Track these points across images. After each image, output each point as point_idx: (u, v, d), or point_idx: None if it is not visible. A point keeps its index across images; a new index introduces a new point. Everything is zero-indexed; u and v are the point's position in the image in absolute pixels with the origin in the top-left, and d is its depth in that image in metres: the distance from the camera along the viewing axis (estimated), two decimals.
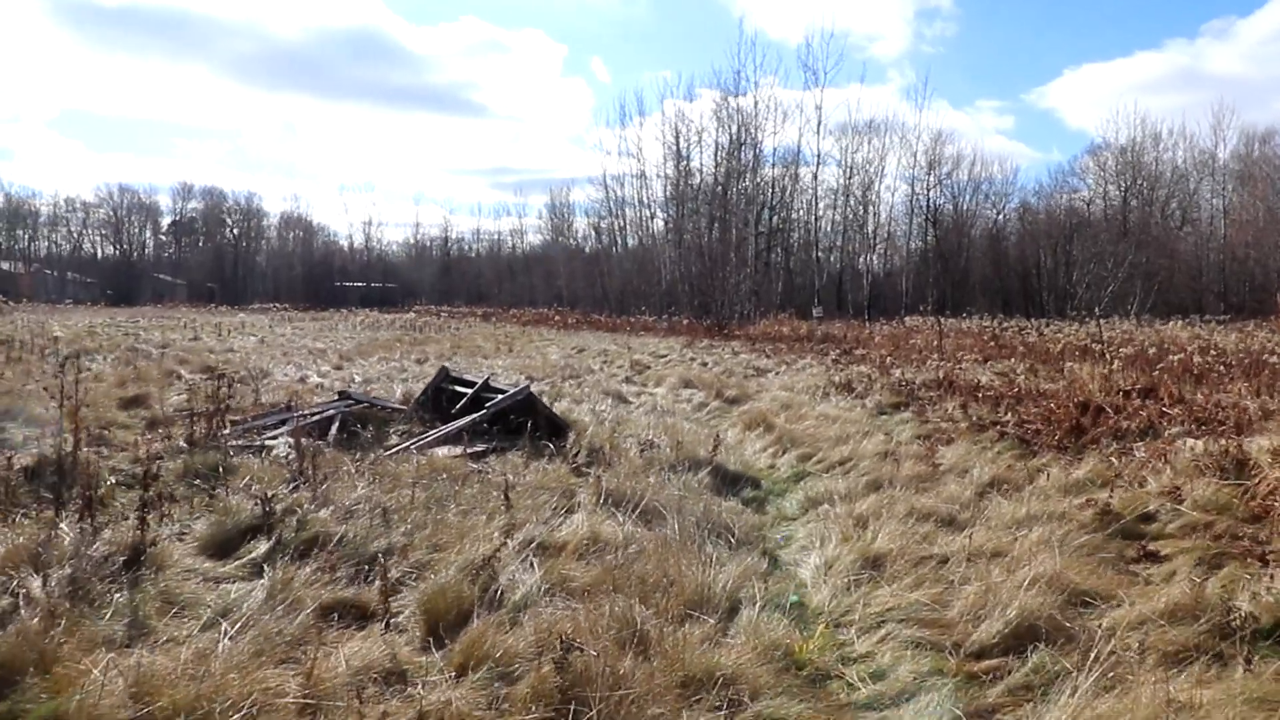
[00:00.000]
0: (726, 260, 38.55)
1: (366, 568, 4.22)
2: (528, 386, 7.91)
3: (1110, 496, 5.35)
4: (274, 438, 7.11)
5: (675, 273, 45.02)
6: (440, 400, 8.48)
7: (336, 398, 8.45)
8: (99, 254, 79.57)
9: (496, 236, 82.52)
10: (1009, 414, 9.57)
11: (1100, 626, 3.58)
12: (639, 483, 5.65)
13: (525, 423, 7.72)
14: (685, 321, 35.94)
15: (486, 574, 3.92)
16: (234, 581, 4.14)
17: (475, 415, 7.60)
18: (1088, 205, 52.88)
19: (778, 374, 15.57)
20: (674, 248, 46.73)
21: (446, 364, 17.10)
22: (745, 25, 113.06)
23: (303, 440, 6.13)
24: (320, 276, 78.34)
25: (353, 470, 5.94)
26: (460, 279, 77.92)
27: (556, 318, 44.25)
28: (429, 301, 68.34)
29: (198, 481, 5.85)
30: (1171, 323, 29.31)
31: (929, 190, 51.42)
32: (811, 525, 5.27)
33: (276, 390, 11.95)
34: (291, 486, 5.48)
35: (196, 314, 44.12)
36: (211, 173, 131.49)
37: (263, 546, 4.50)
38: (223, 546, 4.64)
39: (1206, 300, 45.56)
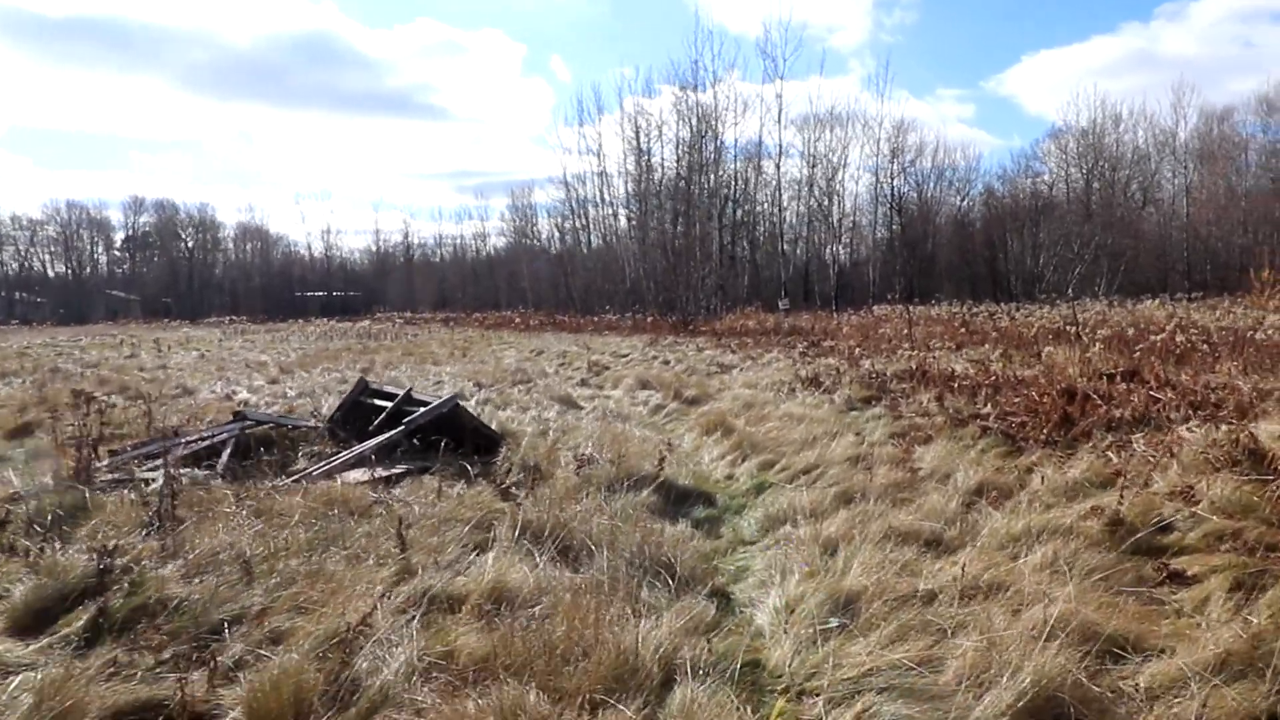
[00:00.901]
0: (691, 255, 37.80)
1: (207, 642, 3.31)
2: (453, 398, 7.00)
3: (1120, 503, 4.56)
4: (156, 468, 6.14)
5: (639, 270, 44.21)
6: (358, 416, 7.53)
7: (231, 419, 7.46)
8: (49, 272, 77.05)
9: (459, 240, 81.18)
10: (988, 405, 8.83)
11: (1139, 690, 2.78)
12: (568, 509, 4.78)
13: (454, 438, 6.83)
14: (650, 319, 35.14)
15: (346, 650, 3.02)
16: (34, 670, 3.21)
17: (391, 433, 6.68)
18: (1050, 189, 52.89)
19: (742, 370, 14.76)
20: (638, 245, 45.91)
21: (367, 375, 16.13)
22: (703, 19, 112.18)
23: (174, 471, 5.18)
24: (279, 287, 76.55)
25: (233, 506, 5.00)
26: (424, 285, 76.51)
27: (519, 320, 43.28)
28: (392, 309, 67.00)
29: (44, 529, 4.88)
30: (1143, 302, 29.03)
31: (893, 179, 51.06)
32: (772, 552, 4.43)
33: (195, 410, 10.92)
34: (145, 533, 4.54)
35: (147, 330, 42.54)
36: (168, 186, 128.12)
37: (83, 618, 3.56)
38: (40, 618, 3.71)
39: (1171, 279, 45.67)
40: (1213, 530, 4.40)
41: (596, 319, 40.08)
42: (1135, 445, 6.44)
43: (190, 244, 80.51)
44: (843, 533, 4.36)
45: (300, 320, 54.42)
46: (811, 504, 5.06)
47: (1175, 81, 61.12)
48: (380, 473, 6.25)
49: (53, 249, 77.41)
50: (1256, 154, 49.15)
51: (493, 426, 8.43)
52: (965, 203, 55.73)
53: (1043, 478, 5.34)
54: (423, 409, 6.87)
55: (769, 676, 3.15)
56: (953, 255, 52.73)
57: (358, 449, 6.61)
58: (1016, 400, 8.78)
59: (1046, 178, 53.41)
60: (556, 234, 60.32)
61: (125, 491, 5.63)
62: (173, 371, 17.89)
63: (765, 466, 6.57)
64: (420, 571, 3.94)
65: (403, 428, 6.66)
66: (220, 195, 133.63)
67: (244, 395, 12.96)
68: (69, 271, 76.65)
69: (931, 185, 53.92)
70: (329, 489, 5.35)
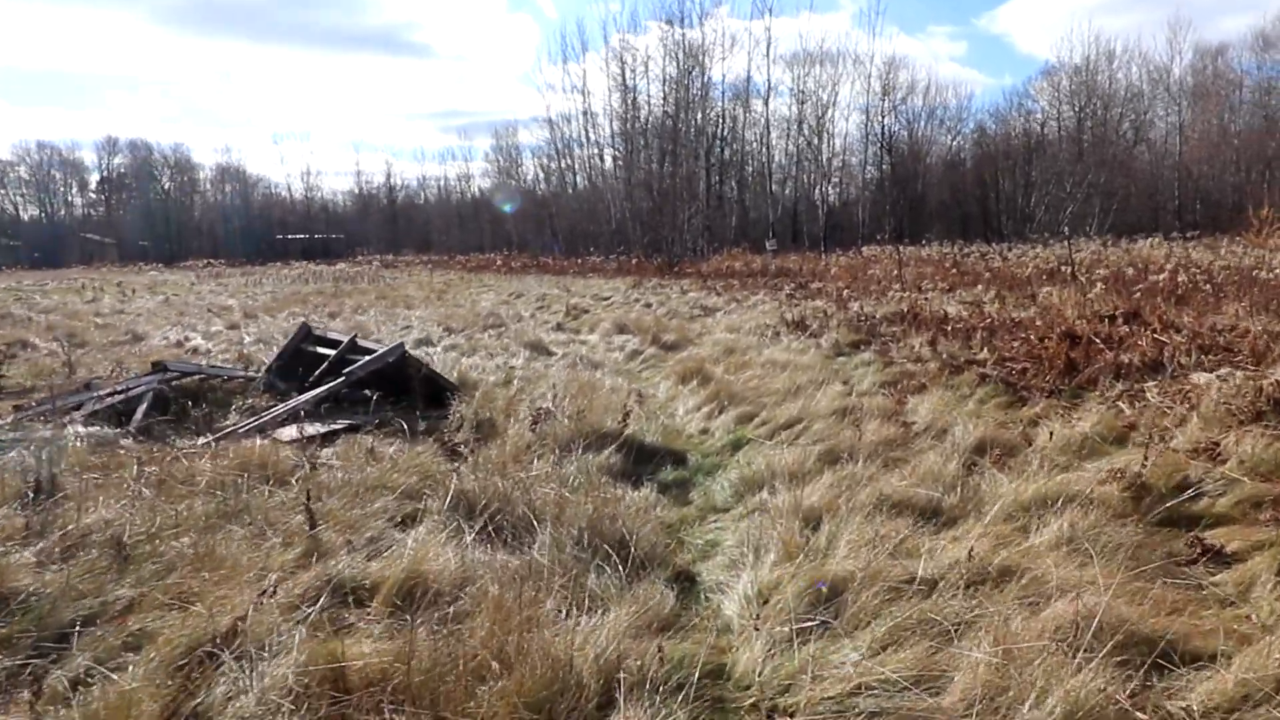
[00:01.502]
0: (677, 196, 36.76)
1: (48, 651, 2.71)
2: (399, 346, 6.33)
3: (1143, 465, 3.99)
4: (65, 424, 5.49)
5: (625, 211, 43.15)
6: (300, 366, 6.87)
7: (151, 370, 6.77)
8: (22, 215, 74.83)
9: (443, 182, 79.25)
10: (984, 350, 8.25)
11: (1193, 714, 2.22)
12: (514, 475, 4.17)
13: (403, 390, 6.21)
14: (635, 261, 34.30)
15: (203, 668, 2.42)
16: None
17: (329, 385, 6.03)
18: (1042, 127, 51.72)
19: (726, 313, 14.12)
20: (624, 185, 44.74)
21: (336, 320, 15.40)
22: None
23: (66, 430, 4.54)
24: (259, 230, 74.80)
25: (135, 472, 4.37)
26: (407, 227, 74.88)
27: (502, 263, 42.33)
28: (375, 251, 65.64)
29: None
30: (1137, 241, 28.37)
31: (884, 117, 49.75)
32: (746, 524, 3.85)
33: (141, 358, 10.23)
34: (20, 506, 3.90)
35: (120, 274, 41.32)
36: (145, 126, 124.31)
37: None
38: None
39: (1163, 218, 44.99)
40: (1247, 496, 3.84)
41: (581, 261, 39.22)
42: (1148, 395, 5.87)
43: (167, 185, 78.33)
44: (827, 501, 3.77)
45: (279, 264, 53.17)
46: (793, 465, 4.47)
47: (1171, 17, 59.51)
48: (315, 429, 5.63)
49: (24, 191, 75.13)
50: (1250, 91, 48.06)
51: (454, 375, 7.80)
52: (956, 142, 54.62)
53: (1050, 433, 4.76)
54: (366, 358, 6.22)
55: (735, 689, 2.58)
56: (943, 195, 51.78)
57: (292, 403, 5.98)
58: (1015, 345, 8.20)
59: (1039, 116, 52.21)
60: (542, 175, 58.90)
61: (25, 453, 4.99)
62: (130, 317, 17.07)
63: (744, 419, 5.97)
64: (329, 554, 3.34)
65: (341, 379, 6.01)
66: (197, 136, 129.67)
67: (197, 342, 12.24)
68: (42, 214, 74.55)
69: (923, 124, 52.69)
70: (246, 451, 4.72)
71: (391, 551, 3.36)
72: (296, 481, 4.31)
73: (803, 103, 47.51)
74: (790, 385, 6.75)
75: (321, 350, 6.82)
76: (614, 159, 48.20)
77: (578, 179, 52.99)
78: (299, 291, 24.50)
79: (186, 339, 12.60)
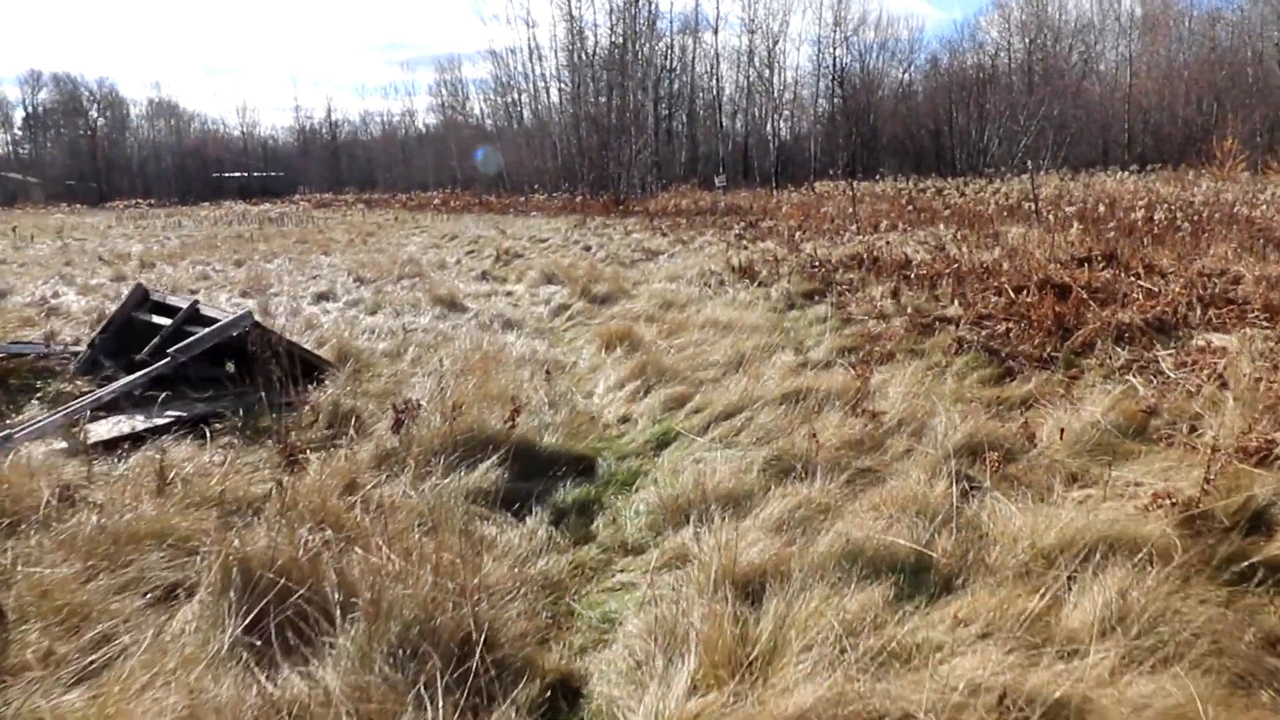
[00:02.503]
0: (624, 130, 35.02)
1: None
2: (246, 316, 5.04)
3: (1202, 490, 2.95)
4: None
5: (572, 147, 41.20)
6: (134, 339, 5.54)
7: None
8: None
9: (387, 118, 75.55)
10: (954, 302, 7.22)
11: None
12: (335, 515, 2.99)
13: (259, 367, 4.95)
14: (581, 199, 32.74)
15: None
16: None
17: (155, 367, 4.74)
18: (993, 60, 50.62)
19: (669, 257, 12.92)
20: (570, 120, 42.65)
21: (244, 267, 13.87)
22: None
23: None
24: (195, 169, 70.74)
25: None
26: (350, 164, 71.35)
27: (443, 201, 40.34)
28: (316, 190, 62.48)
29: None
30: (1094, 175, 27.66)
31: (835, 49, 48.13)
32: (662, 582, 2.76)
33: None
34: None
35: (35, 217, 38.35)
36: (69, 59, 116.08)
37: None
38: None
39: (1113, 151, 44.60)
40: None
41: (525, 199, 37.53)
42: (1162, 365, 4.88)
43: (97, 122, 73.27)
44: (773, 556, 2.67)
45: (210, 204, 50.20)
46: (731, 482, 3.36)
47: None
48: (132, 426, 4.37)
49: None
50: (1198, 23, 47.47)
51: (341, 340, 6.54)
52: (908, 75, 53.34)
53: (1061, 430, 3.71)
54: (203, 331, 4.92)
55: None
56: (896, 129, 50.63)
57: (107, 390, 4.68)
58: (990, 297, 7.18)
59: (989, 48, 51.09)
60: (487, 110, 56.26)
61: None
62: (9, 267, 15.25)
63: (675, 403, 4.84)
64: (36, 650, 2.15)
65: (166, 360, 4.72)
66: (127, 69, 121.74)
67: (68, 299, 10.67)
68: None
69: (874, 57, 51.27)
70: (27, 460, 3.47)
71: (108, 673, 2.18)
72: (51, 521, 3.08)
73: (753, 33, 45.64)
74: (734, 354, 5.63)
75: (157, 320, 5.48)
76: (560, 92, 45.98)
77: (524, 114, 50.68)
78: (215, 235, 22.59)
79: (56, 295, 11.01)
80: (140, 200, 56.43)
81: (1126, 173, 27.31)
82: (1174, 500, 2.94)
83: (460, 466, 3.64)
